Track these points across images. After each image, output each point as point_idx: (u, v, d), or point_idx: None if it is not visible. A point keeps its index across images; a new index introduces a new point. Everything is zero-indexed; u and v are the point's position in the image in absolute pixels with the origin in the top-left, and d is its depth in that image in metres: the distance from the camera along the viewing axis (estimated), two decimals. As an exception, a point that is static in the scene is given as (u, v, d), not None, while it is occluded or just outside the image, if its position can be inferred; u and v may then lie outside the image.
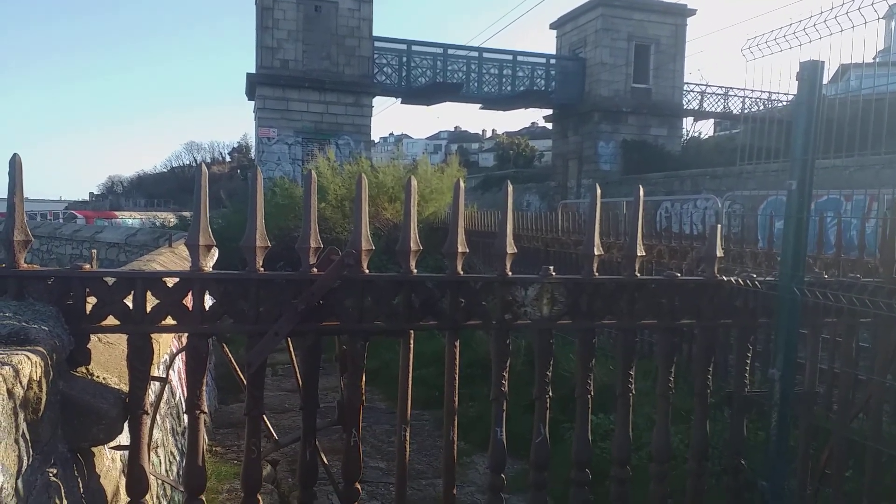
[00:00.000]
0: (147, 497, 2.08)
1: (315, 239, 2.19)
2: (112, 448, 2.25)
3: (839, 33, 2.45)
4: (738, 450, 2.72)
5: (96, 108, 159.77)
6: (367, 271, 2.23)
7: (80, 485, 1.91)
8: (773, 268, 4.47)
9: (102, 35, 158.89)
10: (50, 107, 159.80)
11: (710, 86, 29.34)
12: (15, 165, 1.90)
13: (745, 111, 27.85)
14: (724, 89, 29.50)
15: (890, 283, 2.67)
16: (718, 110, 29.87)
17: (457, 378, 2.36)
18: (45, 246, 22.71)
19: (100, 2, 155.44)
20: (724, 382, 4.30)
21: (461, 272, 2.33)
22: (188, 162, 75.31)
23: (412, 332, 2.32)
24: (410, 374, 2.34)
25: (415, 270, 2.29)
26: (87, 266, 2.03)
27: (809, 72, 2.50)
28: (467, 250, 2.34)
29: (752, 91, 27.23)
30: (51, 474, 1.69)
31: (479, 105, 28.38)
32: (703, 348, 2.69)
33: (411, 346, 2.32)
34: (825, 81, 2.59)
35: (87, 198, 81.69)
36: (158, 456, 3.50)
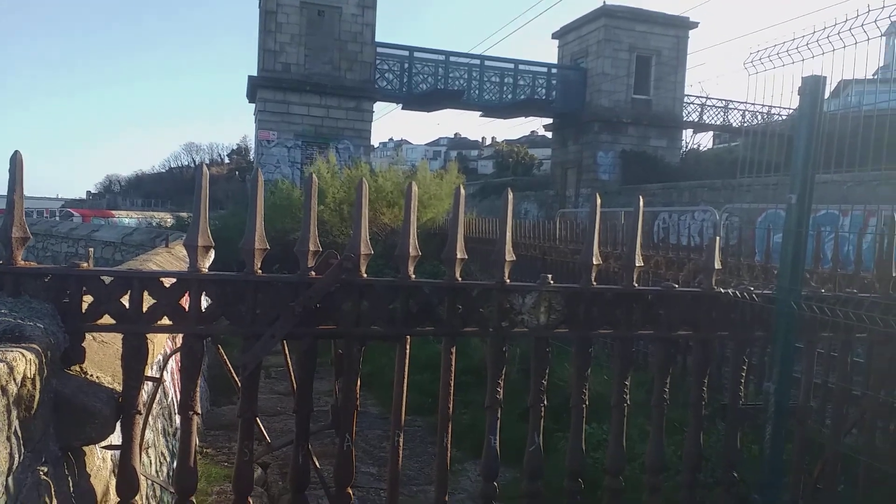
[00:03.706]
0: (137, 498, 2.06)
1: (314, 242, 2.19)
2: (104, 447, 2.23)
3: (841, 49, 2.46)
4: (732, 462, 2.72)
5: (95, 105, 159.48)
6: (364, 275, 2.23)
7: (71, 484, 1.90)
8: (770, 281, 4.48)
9: (103, 33, 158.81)
10: (49, 104, 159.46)
11: (710, 98, 29.47)
12: (16, 163, 1.90)
13: (745, 124, 27.95)
14: (724, 102, 29.61)
15: (886, 299, 2.67)
16: (718, 123, 29.97)
17: (452, 384, 2.36)
18: (40, 243, 22.64)
19: None
20: (719, 394, 4.30)
21: (459, 278, 2.33)
22: (187, 163, 75.26)
23: (409, 337, 2.32)
24: (406, 380, 2.34)
25: (413, 276, 2.29)
26: (85, 264, 2.03)
27: (812, 86, 2.51)
28: (466, 257, 2.34)
29: (752, 104, 27.39)
30: (41, 473, 1.68)
31: (480, 112, 28.42)
32: (699, 360, 2.69)
33: (407, 351, 2.32)
34: (826, 97, 2.60)
35: (84, 196, 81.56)
36: (149, 456, 3.48)
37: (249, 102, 26.97)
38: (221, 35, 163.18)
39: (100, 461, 2.26)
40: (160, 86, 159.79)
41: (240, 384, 2.21)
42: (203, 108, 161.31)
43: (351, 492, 2.29)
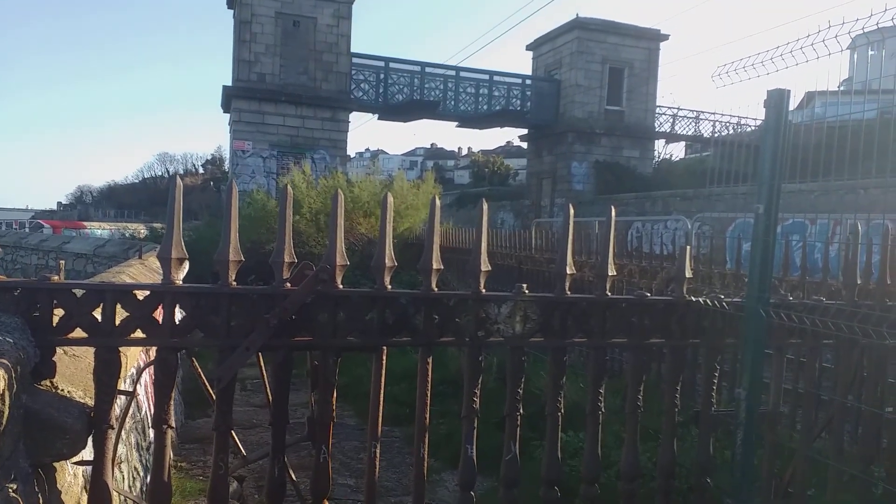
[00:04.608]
0: (110, 513, 2.03)
1: (289, 253, 2.19)
2: (75, 463, 2.20)
3: (805, 63, 2.53)
4: (705, 468, 2.76)
5: (66, 115, 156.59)
6: (340, 286, 2.23)
7: (41, 501, 1.87)
8: (741, 289, 4.56)
9: (74, 40, 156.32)
10: (18, 112, 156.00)
11: (681, 109, 29.96)
12: (-16, 173, 1.88)
13: (715, 135, 28.43)
14: (695, 113, 30.13)
15: (851, 306, 2.74)
16: (689, 133, 30.45)
17: (428, 394, 2.37)
18: (9, 256, 22.20)
19: (71, 6, 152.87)
20: (692, 401, 4.36)
21: (435, 288, 2.34)
22: (160, 173, 74.23)
23: (385, 347, 2.32)
24: (382, 390, 2.34)
25: (389, 286, 2.29)
26: (56, 277, 2.00)
27: (776, 99, 2.58)
28: (442, 267, 2.35)
29: (722, 115, 27.91)
30: (10, 490, 1.65)
31: (456, 123, 28.54)
32: (672, 367, 2.73)
33: (384, 361, 2.32)
34: (792, 108, 2.67)
35: (55, 207, 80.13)
36: (122, 471, 3.43)
37: (224, 112, 26.76)
38: (199, 44, 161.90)
39: (71, 477, 2.22)
40: (131, 85, 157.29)
41: (214, 397, 2.19)
42: (177, 115, 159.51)
43: (328, 503, 2.28)
